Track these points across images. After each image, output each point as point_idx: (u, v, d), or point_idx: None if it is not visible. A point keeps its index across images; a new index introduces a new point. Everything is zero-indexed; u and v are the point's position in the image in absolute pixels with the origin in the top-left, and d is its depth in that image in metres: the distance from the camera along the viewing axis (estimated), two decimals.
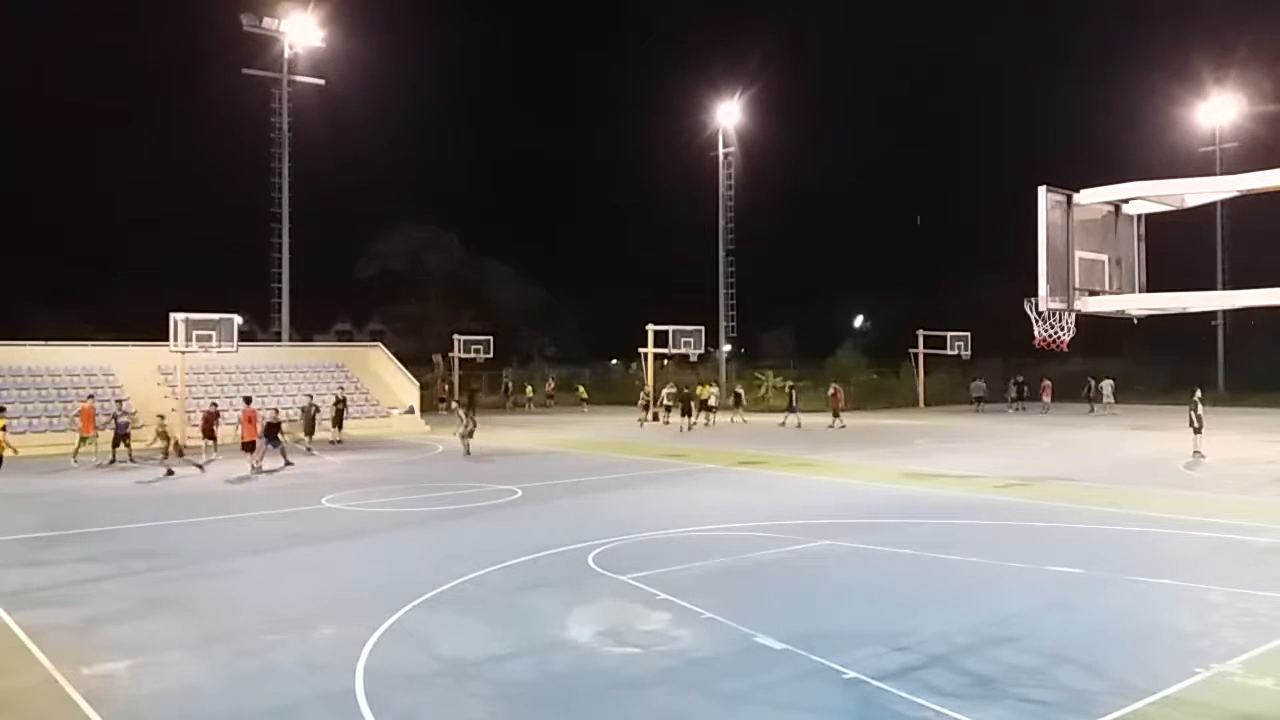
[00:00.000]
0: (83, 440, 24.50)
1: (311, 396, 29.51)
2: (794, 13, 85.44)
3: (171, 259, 56.77)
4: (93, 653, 8.92)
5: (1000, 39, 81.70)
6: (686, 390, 35.75)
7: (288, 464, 23.30)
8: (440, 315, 58.47)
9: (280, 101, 40.97)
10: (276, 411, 24.78)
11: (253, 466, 22.35)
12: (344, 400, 30.84)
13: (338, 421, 29.88)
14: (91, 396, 27.36)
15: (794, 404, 36.73)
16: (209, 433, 24.81)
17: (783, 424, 35.53)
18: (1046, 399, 43.99)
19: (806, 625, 9.56)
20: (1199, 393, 23.79)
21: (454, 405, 26.30)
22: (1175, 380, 46.50)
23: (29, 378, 31.08)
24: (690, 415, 34.01)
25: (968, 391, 46.43)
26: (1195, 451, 23.21)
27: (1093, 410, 41.48)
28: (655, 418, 37.87)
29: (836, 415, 34.91)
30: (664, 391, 37.98)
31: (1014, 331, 10.59)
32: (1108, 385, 41.74)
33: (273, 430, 23.34)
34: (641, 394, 38.73)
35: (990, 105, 79.65)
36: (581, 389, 49.69)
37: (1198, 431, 23.30)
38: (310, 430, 27.51)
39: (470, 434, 26.43)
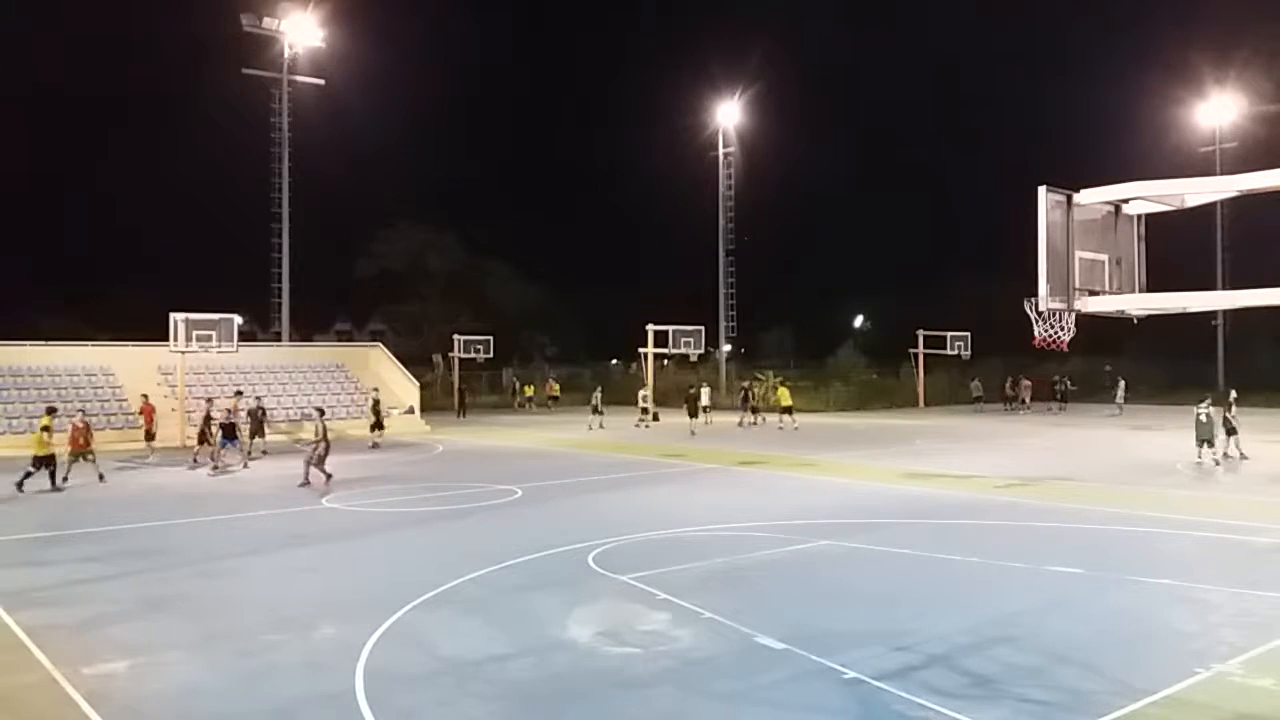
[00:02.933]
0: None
1: (260, 399, 28.17)
2: (794, 13, 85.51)
3: (172, 259, 56.94)
4: (93, 653, 8.92)
5: (1000, 39, 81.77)
6: (691, 390, 35.83)
7: (245, 466, 23.33)
8: (440, 315, 58.46)
9: (280, 101, 40.99)
10: (229, 413, 24.49)
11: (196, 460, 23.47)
12: (379, 401, 29.93)
13: (378, 424, 28.89)
14: (240, 393, 27.56)
15: (747, 402, 37.86)
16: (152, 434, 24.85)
17: (740, 424, 35.83)
18: (1026, 399, 44.37)
19: (806, 625, 9.56)
20: (1234, 394, 23.47)
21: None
22: (1175, 380, 46.54)
23: (29, 378, 31.07)
24: (697, 416, 34.17)
25: (969, 391, 46.48)
26: (1225, 454, 22.87)
27: (1064, 408, 42.67)
28: (655, 417, 37.80)
29: (754, 413, 36.95)
30: (640, 394, 37.99)
31: (1014, 331, 10.58)
32: (1121, 386, 41.94)
33: (229, 430, 23.40)
34: (594, 397, 36.33)
35: (990, 105, 79.82)
36: (530, 390, 49.73)
37: (1232, 432, 23.04)
38: (258, 433, 26.18)
39: (321, 460, 20.33)
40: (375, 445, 28.26)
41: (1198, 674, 7.97)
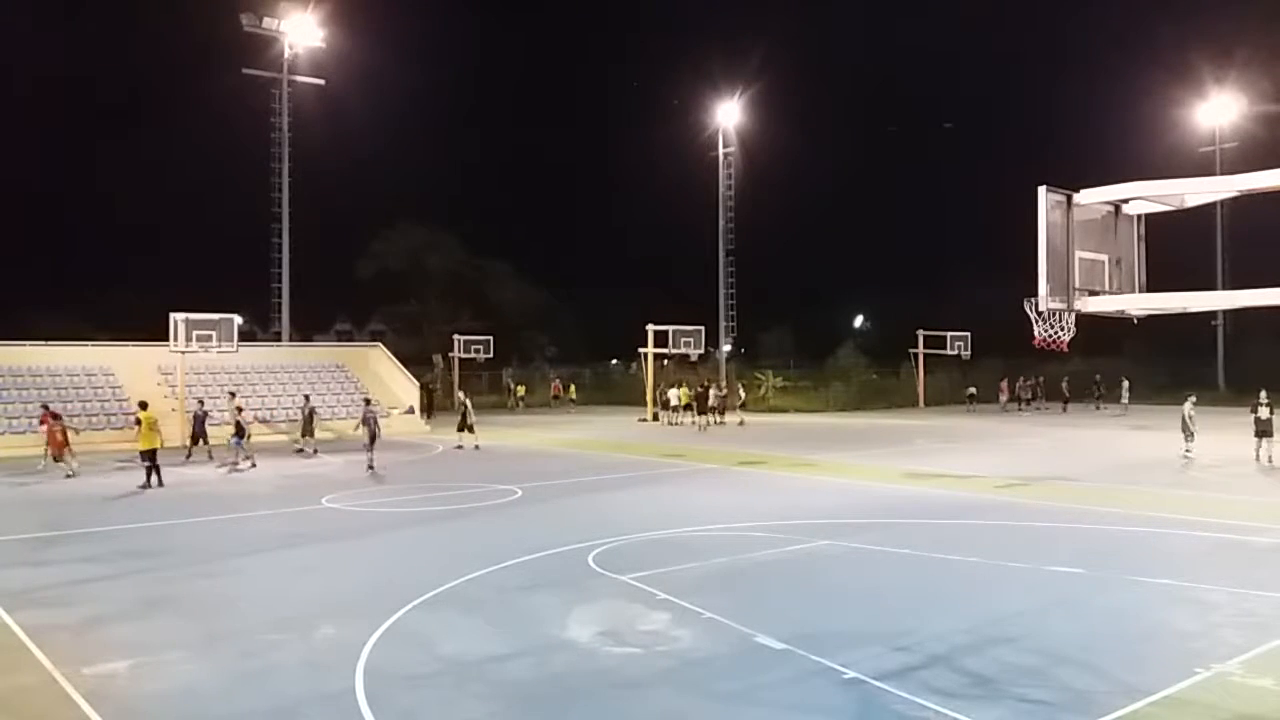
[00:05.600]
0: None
1: (309, 397, 28.98)
2: (794, 12, 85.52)
3: (172, 258, 56.91)
4: (93, 653, 8.92)
5: (1000, 39, 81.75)
6: (702, 388, 35.92)
7: (250, 466, 23.39)
8: (440, 315, 58.45)
9: (280, 101, 40.97)
10: (240, 410, 24.55)
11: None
12: (467, 402, 29.51)
13: (467, 425, 28.26)
14: (232, 394, 28.24)
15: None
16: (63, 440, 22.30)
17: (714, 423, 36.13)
18: (1004, 399, 44.38)
19: (806, 625, 9.56)
20: (1264, 394, 23.12)
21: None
22: (1175, 380, 46.51)
23: (29, 378, 31.04)
24: (706, 414, 34.32)
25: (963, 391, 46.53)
26: (1269, 456, 22.59)
27: (1065, 410, 43.37)
28: (658, 414, 37.82)
29: (711, 412, 37.17)
30: (673, 392, 37.92)
31: (1014, 331, 10.58)
32: (1124, 385, 42.04)
33: (239, 429, 23.66)
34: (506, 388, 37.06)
35: (990, 105, 79.78)
36: (521, 390, 49.76)
37: (1264, 435, 22.59)
38: (309, 431, 26.86)
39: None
40: (478, 448, 27.70)
41: (1198, 674, 7.97)
